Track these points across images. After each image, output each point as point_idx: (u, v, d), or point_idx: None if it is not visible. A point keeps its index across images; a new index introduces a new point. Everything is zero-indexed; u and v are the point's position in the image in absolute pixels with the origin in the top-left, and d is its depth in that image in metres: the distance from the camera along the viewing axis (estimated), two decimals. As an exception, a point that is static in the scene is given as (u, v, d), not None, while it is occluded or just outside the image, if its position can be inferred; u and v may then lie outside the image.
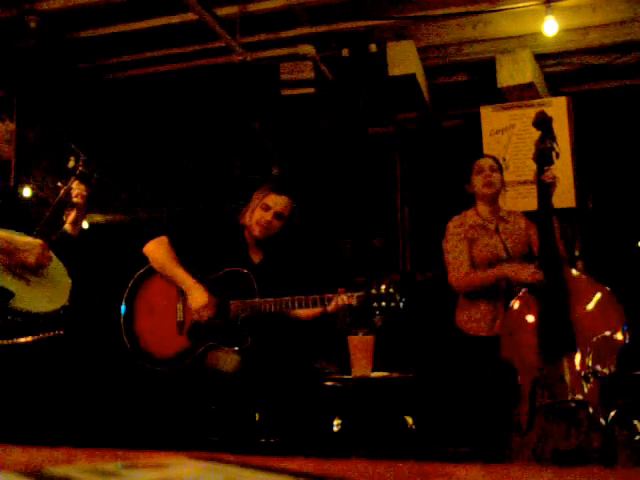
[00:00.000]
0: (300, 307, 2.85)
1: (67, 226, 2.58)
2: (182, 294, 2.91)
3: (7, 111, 2.45)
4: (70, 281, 2.43)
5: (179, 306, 2.90)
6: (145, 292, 2.95)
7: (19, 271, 2.27)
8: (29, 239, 2.32)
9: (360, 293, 2.80)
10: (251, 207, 3.04)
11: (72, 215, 2.59)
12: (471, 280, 3.06)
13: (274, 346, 2.97)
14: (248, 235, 3.06)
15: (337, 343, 3.13)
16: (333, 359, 2.97)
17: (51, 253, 2.39)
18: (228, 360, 2.78)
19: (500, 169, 3.28)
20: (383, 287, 2.78)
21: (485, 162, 3.25)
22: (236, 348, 2.84)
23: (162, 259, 2.93)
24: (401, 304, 2.76)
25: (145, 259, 2.98)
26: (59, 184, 2.60)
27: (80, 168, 2.61)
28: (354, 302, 2.79)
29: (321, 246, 5.25)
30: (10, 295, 2.17)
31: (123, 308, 2.90)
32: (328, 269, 4.97)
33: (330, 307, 2.80)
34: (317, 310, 2.93)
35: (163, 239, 2.98)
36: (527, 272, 2.77)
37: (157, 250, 2.96)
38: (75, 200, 2.56)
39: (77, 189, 2.56)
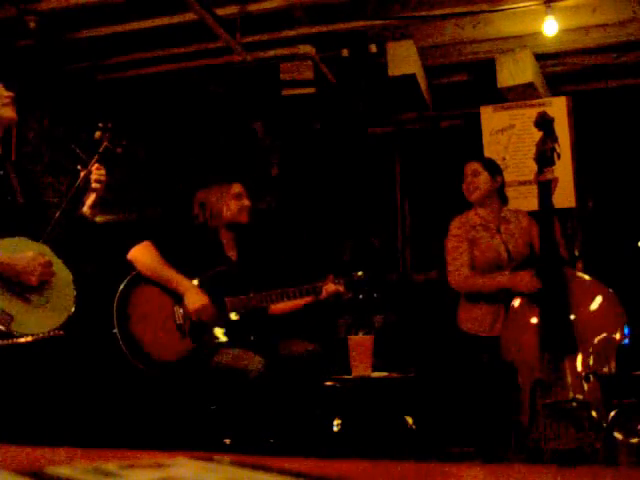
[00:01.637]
0: (294, 297, 2.96)
1: (85, 209, 2.49)
2: (176, 297, 2.87)
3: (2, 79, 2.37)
4: (74, 297, 2.35)
5: (176, 309, 2.86)
6: (137, 299, 2.85)
7: (20, 290, 2.21)
8: (32, 256, 2.24)
9: (346, 278, 3.04)
10: (220, 204, 3.09)
11: (91, 198, 2.49)
12: (471, 285, 3.08)
13: (265, 343, 2.97)
14: (224, 233, 3.10)
15: (311, 322, 3.20)
16: (306, 338, 2.98)
17: (62, 266, 2.33)
18: (253, 361, 2.73)
19: (489, 169, 3.24)
20: (360, 273, 3.07)
21: (468, 167, 3.25)
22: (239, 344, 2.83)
23: (152, 263, 2.88)
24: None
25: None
26: (79, 167, 2.49)
27: (105, 143, 2.52)
28: (340, 288, 3.00)
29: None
30: (10, 318, 2.13)
31: (115, 319, 2.78)
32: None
33: (322, 295, 2.97)
34: (301, 302, 3.03)
35: (147, 244, 2.93)
36: (526, 282, 2.76)
37: (145, 255, 2.91)
38: (94, 186, 2.47)
39: (96, 174, 2.47)
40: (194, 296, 2.83)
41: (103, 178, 2.48)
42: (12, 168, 2.51)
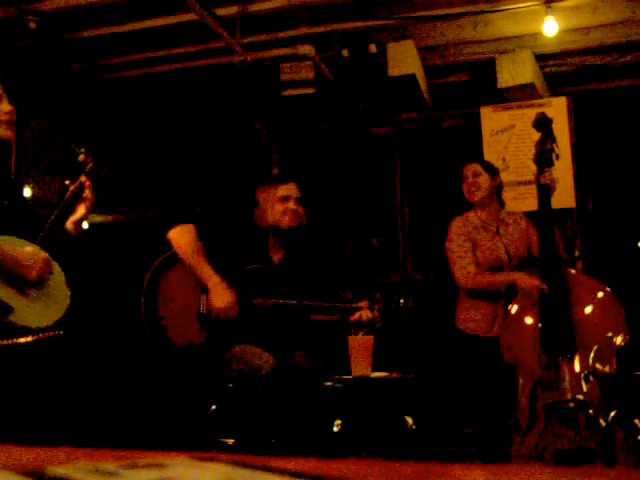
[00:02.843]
0: (323, 314, 2.90)
1: (68, 224, 2.50)
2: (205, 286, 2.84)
3: (7, 92, 2.38)
4: (69, 293, 2.35)
5: (203, 298, 2.83)
6: (168, 279, 2.83)
7: (19, 284, 2.21)
8: (32, 251, 2.26)
9: (384, 308, 2.92)
10: (267, 205, 2.99)
11: (77, 214, 2.50)
12: (480, 281, 3.07)
13: (291, 346, 2.94)
14: (272, 235, 3.01)
15: (315, 336, 3.15)
16: (311, 353, 2.95)
17: (54, 264, 2.34)
18: (264, 361, 2.71)
19: (489, 171, 3.26)
20: (402, 301, 2.95)
21: (468, 169, 3.26)
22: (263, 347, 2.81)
23: (188, 248, 2.82)
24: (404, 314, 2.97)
25: (152, 255, 2.91)
26: (67, 182, 2.51)
27: (90, 164, 2.54)
28: (377, 318, 2.90)
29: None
30: (9, 310, 2.14)
31: (145, 295, 2.77)
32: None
33: (353, 318, 2.88)
34: (331, 317, 2.97)
35: (190, 227, 2.86)
36: (534, 282, 2.75)
37: (184, 237, 2.84)
38: (85, 195, 2.48)
39: (89, 188, 2.49)
40: (220, 293, 2.77)
41: (92, 196, 2.51)
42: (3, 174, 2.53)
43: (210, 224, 2.99)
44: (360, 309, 2.89)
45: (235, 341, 2.82)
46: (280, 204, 2.96)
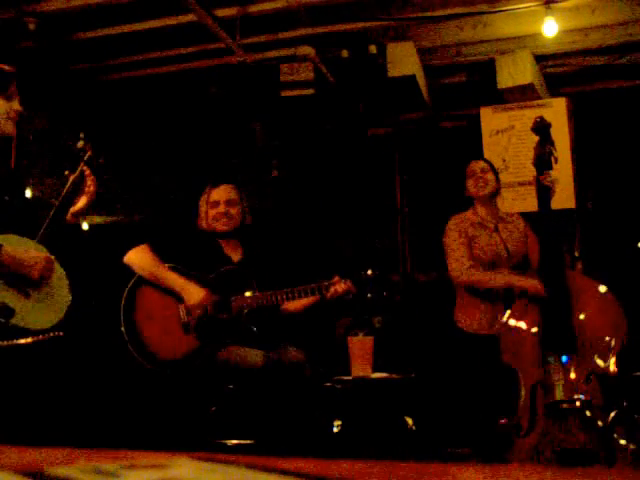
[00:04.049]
0: (299, 297, 2.92)
1: (68, 216, 2.48)
2: (179, 296, 2.89)
3: (19, 91, 2.38)
4: (69, 292, 2.35)
5: (181, 307, 2.88)
6: (142, 299, 2.90)
7: (21, 284, 2.21)
8: (34, 251, 2.25)
9: (353, 277, 2.95)
10: (203, 212, 3.08)
11: (78, 205, 2.48)
12: (476, 277, 3.07)
13: (274, 341, 2.97)
14: (220, 238, 3.08)
15: (305, 330, 3.17)
16: (299, 345, 2.97)
17: (56, 264, 2.33)
18: (253, 355, 2.75)
19: (493, 170, 3.30)
20: (370, 272, 2.97)
21: (476, 165, 3.28)
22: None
23: (148, 266, 2.91)
24: (387, 288, 3.05)
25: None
26: (66, 172, 2.50)
27: (89, 152, 2.54)
28: (351, 287, 2.92)
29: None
30: (11, 312, 2.13)
31: (122, 318, 2.83)
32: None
33: (329, 294, 2.91)
34: (309, 301, 2.99)
35: (145, 247, 2.96)
36: (533, 285, 2.74)
37: (141, 258, 2.93)
38: (87, 191, 2.47)
39: (90, 177, 2.49)
40: (191, 292, 2.84)
41: (96, 182, 2.51)
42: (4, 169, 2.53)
43: (164, 239, 3.07)
44: (333, 284, 2.92)
45: (223, 344, 2.85)
46: (211, 210, 3.05)
